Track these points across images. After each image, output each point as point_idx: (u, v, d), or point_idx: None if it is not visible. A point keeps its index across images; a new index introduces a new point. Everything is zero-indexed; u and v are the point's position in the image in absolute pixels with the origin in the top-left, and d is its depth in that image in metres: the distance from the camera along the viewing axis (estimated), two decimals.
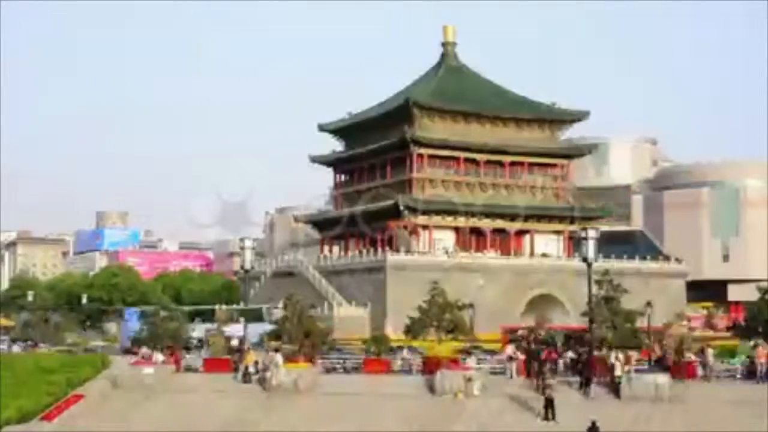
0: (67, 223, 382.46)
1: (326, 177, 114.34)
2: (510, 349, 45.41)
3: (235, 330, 54.17)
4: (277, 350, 44.71)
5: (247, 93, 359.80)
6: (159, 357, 46.65)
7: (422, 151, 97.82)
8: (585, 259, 43.65)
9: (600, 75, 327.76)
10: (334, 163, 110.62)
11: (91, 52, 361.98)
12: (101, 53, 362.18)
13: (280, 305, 52.52)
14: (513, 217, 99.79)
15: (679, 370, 41.62)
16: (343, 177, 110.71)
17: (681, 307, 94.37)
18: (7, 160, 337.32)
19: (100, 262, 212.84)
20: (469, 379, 40.19)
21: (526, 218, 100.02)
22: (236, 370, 44.40)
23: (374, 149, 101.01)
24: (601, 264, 50.09)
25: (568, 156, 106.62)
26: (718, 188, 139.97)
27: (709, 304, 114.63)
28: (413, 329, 51.51)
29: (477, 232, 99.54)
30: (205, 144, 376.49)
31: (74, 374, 43.89)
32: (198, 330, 65.96)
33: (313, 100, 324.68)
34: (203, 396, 41.45)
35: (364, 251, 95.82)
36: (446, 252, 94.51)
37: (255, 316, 65.18)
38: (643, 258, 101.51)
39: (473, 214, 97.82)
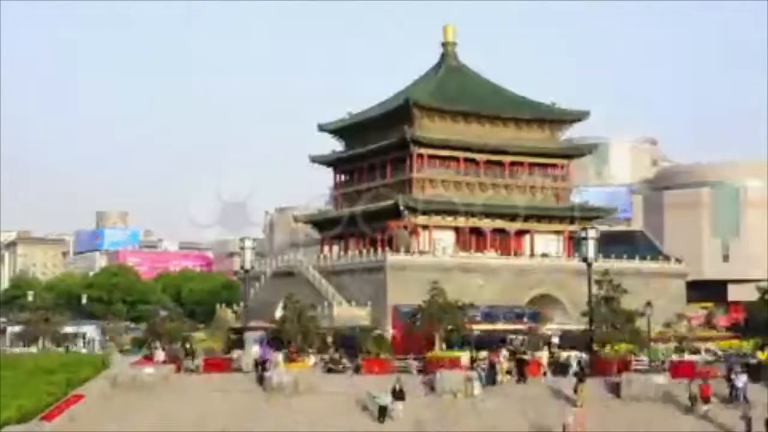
0: (67, 223, 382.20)
1: (326, 177, 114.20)
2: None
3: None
4: (278, 350, 44.76)
5: (247, 93, 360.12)
6: (160, 355, 46.62)
7: (422, 151, 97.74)
8: (585, 259, 43.77)
9: (600, 75, 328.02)
10: (334, 163, 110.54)
11: (91, 52, 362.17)
12: (101, 53, 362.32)
13: (280, 305, 52.59)
14: (513, 217, 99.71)
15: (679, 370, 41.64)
16: (343, 177, 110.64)
17: (681, 307, 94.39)
18: (7, 160, 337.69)
19: (100, 262, 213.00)
20: (469, 379, 40.22)
21: (526, 218, 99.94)
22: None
23: (374, 149, 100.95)
24: (601, 264, 50.13)
25: (568, 156, 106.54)
26: (718, 188, 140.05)
27: (709, 304, 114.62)
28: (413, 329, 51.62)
29: (477, 232, 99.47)
30: (205, 144, 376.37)
31: (74, 374, 43.88)
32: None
33: (313, 100, 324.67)
34: (203, 396, 41.45)
35: (364, 251, 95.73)
36: (444, 250, 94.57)
37: None
38: (643, 258, 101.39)
39: (473, 214, 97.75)
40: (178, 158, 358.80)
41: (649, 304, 55.25)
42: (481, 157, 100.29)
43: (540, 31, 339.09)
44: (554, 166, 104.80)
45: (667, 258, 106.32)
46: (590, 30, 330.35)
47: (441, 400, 39.78)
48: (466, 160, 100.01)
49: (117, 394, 42.24)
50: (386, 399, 38.82)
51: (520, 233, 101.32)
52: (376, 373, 44.53)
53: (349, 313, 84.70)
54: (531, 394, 39.98)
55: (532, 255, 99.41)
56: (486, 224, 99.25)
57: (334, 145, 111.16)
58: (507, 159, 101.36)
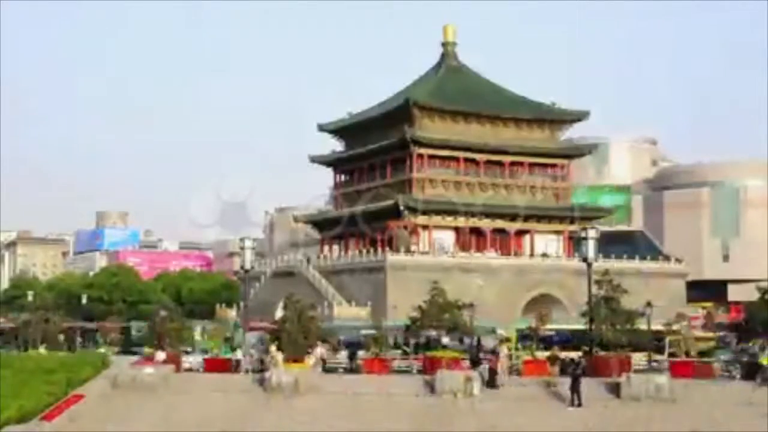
0: (67, 223, 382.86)
1: (326, 177, 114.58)
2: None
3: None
4: (279, 349, 44.62)
5: (247, 93, 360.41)
6: (161, 356, 46.53)
7: (422, 151, 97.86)
8: (585, 259, 43.67)
9: (600, 74, 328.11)
10: (334, 163, 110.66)
11: (91, 52, 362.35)
12: (101, 53, 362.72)
13: (280, 305, 52.52)
14: (513, 217, 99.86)
15: (680, 369, 41.61)
16: (343, 177, 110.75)
17: (681, 307, 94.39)
18: (7, 160, 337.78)
19: (100, 262, 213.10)
20: (469, 379, 40.16)
21: (526, 218, 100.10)
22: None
23: (374, 149, 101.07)
24: (601, 264, 50.01)
25: (568, 156, 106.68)
26: (718, 188, 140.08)
27: (709, 304, 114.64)
28: (413, 329, 51.62)
29: (477, 232, 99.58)
30: (205, 144, 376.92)
31: (74, 374, 43.77)
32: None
33: (313, 100, 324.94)
34: (203, 396, 41.41)
35: (364, 251, 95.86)
36: (445, 251, 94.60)
37: None
38: (643, 258, 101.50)
39: (473, 214, 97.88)
40: (178, 158, 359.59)
41: (649, 304, 55.24)
42: (481, 157, 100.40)
43: (540, 30, 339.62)
44: (554, 166, 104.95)
45: (667, 258, 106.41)
46: (590, 30, 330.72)
47: (441, 400, 39.73)
48: (466, 160, 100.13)
49: (117, 395, 42.16)
50: None
51: (520, 233, 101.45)
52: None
53: (349, 313, 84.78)
54: (530, 394, 39.94)
55: (532, 255, 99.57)
56: (486, 224, 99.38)
57: (334, 145, 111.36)
58: (507, 159, 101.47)
